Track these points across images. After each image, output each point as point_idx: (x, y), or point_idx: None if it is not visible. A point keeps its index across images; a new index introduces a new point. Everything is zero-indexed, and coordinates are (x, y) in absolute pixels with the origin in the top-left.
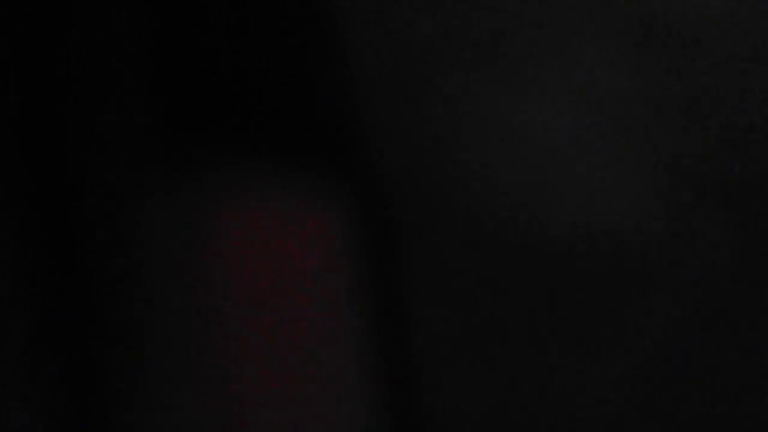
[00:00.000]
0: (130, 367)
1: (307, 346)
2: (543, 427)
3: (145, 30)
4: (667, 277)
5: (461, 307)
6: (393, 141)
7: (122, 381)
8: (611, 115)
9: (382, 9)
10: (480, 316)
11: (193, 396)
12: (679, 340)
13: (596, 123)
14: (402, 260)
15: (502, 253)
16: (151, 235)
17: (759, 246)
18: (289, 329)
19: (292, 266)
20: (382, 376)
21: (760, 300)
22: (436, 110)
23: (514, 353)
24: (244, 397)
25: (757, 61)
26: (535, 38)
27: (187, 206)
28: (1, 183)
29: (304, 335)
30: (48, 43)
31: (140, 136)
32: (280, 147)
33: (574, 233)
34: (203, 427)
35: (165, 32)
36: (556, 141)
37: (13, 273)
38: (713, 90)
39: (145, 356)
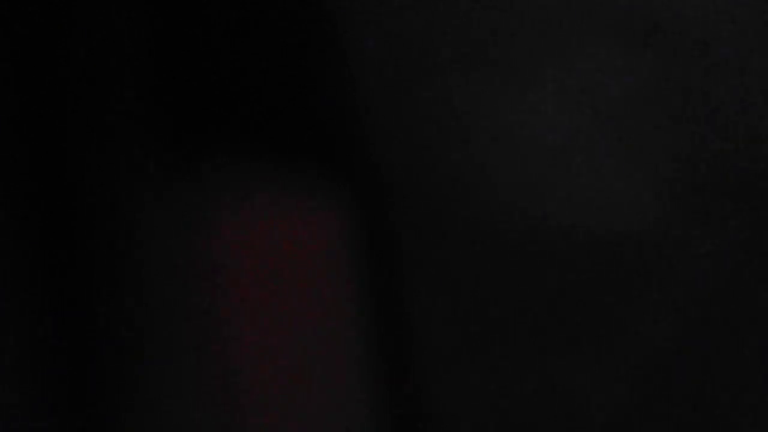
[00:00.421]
0: (130, 367)
1: (307, 346)
2: (543, 427)
3: (146, 30)
4: (667, 277)
5: (461, 307)
6: (393, 141)
7: (122, 381)
8: (611, 115)
9: (382, 9)
10: (480, 316)
11: (193, 396)
12: (679, 340)
13: (596, 123)
14: (402, 260)
15: (502, 253)
16: (151, 234)
17: (759, 246)
18: (289, 329)
19: (292, 266)
20: (382, 376)
21: (760, 300)
22: (436, 110)
23: (514, 353)
24: (244, 397)
25: (757, 61)
26: (535, 38)
27: (187, 206)
28: (1, 183)
29: (304, 335)
30: (48, 43)
31: (140, 136)
32: (280, 147)
33: (574, 233)
34: (203, 427)
35: (165, 32)
36: (556, 141)
37: (13, 273)
38: (713, 90)
39: (145, 356)
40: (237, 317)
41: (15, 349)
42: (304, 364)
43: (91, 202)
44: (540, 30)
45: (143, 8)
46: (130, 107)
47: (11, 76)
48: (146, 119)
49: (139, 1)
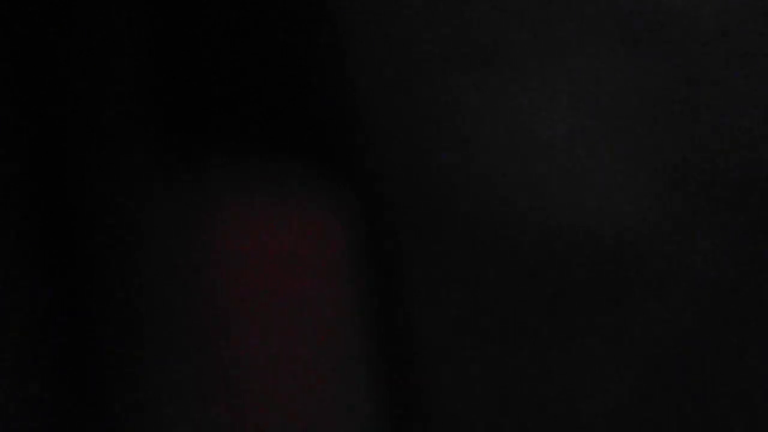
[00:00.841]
0: (130, 367)
1: (307, 345)
2: (543, 426)
3: (145, 30)
4: (667, 277)
5: (461, 307)
6: (393, 141)
7: (122, 381)
8: (611, 115)
9: (382, 10)
10: (480, 315)
11: (193, 396)
12: (679, 339)
13: (596, 123)
14: (402, 260)
15: (501, 253)
16: (150, 234)
17: (759, 246)
18: (289, 329)
19: (292, 266)
20: (382, 376)
21: (761, 300)
22: (436, 110)
23: (514, 353)
24: (244, 397)
25: (757, 61)
26: (535, 38)
27: (187, 206)
28: (1, 183)
29: (304, 335)
30: (48, 43)
31: (140, 136)
32: (280, 147)
33: (574, 233)
34: (203, 427)
35: (165, 32)
36: (555, 141)
37: (13, 273)
38: (714, 90)
39: (145, 356)
40: (237, 317)
41: (15, 348)
42: (304, 364)
43: (91, 202)
44: (540, 30)
45: (143, 8)
46: (130, 107)
47: (11, 76)
48: (146, 119)
49: (139, 1)
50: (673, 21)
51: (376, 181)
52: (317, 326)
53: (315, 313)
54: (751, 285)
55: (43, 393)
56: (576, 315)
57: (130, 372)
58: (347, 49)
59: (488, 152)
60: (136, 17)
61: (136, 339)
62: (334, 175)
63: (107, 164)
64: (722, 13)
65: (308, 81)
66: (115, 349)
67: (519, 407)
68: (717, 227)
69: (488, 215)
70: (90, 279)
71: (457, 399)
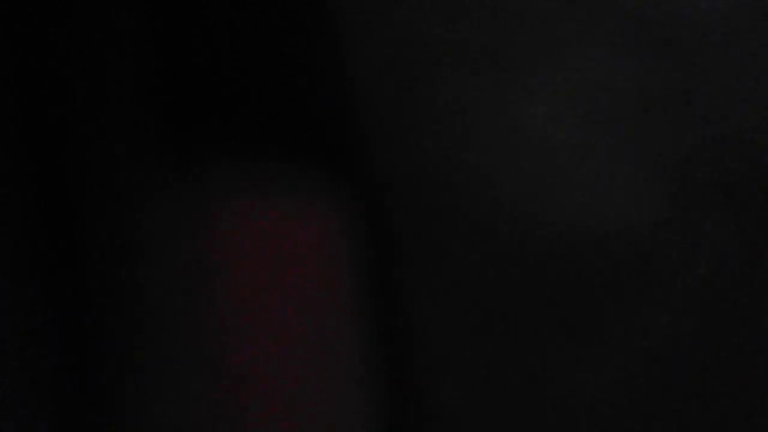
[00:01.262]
0: (131, 367)
1: (307, 345)
2: (543, 426)
3: (145, 29)
4: (667, 276)
5: (461, 307)
6: (393, 141)
7: (122, 381)
8: (612, 115)
9: (382, 9)
10: (480, 315)
11: (193, 395)
12: (679, 339)
13: (596, 123)
14: (402, 260)
15: (501, 253)
16: (150, 234)
17: (759, 246)
18: (289, 329)
19: (292, 266)
20: (382, 376)
21: (760, 300)
22: (436, 110)
23: (514, 353)
24: (244, 397)
25: (757, 61)
26: (536, 38)
27: (187, 206)
28: (1, 183)
29: (304, 335)
30: (48, 43)
31: (140, 136)
32: (280, 147)
33: (573, 233)
34: (203, 426)
35: (165, 32)
36: (556, 141)
37: (13, 273)
38: (714, 90)
39: (145, 356)
40: (236, 317)
41: (14, 348)
42: (303, 364)
43: (91, 202)
44: (540, 30)
45: (143, 8)
46: (130, 107)
47: (11, 76)
48: (146, 119)
49: (139, 1)
50: (673, 21)
51: (376, 182)
52: (317, 326)
53: (315, 313)
54: (752, 284)
55: (43, 393)
56: (576, 315)
57: (130, 372)
58: (347, 49)
59: (488, 152)
60: (136, 17)
61: (136, 339)
62: (334, 176)
63: (107, 164)
64: (722, 13)
65: (308, 81)
66: (115, 349)
67: (519, 407)
68: (718, 227)
69: (488, 215)
70: (90, 279)
71: (457, 399)
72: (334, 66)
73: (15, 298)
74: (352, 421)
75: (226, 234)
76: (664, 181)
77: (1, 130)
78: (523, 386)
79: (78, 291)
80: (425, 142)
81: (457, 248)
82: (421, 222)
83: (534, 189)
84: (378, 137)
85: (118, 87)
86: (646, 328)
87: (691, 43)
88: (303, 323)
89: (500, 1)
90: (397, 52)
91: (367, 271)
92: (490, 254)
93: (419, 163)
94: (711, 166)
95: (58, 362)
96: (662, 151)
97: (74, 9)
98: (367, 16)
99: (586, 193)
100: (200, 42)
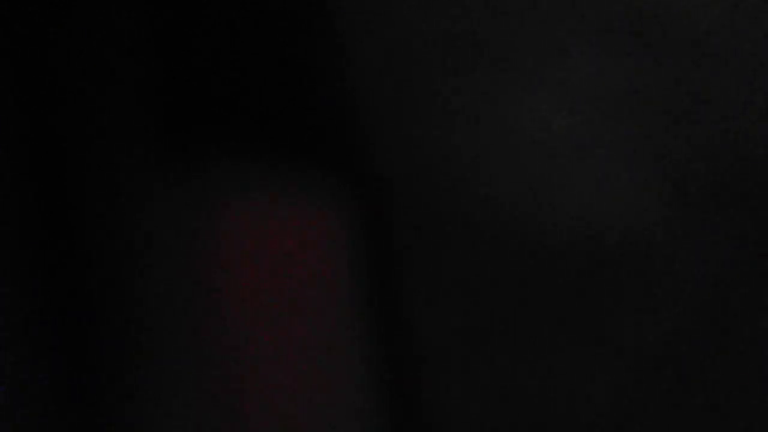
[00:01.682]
0: (131, 367)
1: (307, 345)
2: (543, 426)
3: (146, 29)
4: (667, 277)
5: (461, 307)
6: (393, 141)
7: (122, 380)
8: (611, 115)
9: (382, 10)
10: (480, 316)
11: (193, 395)
12: (679, 339)
13: (596, 124)
14: (402, 260)
15: (501, 254)
16: (151, 234)
17: (759, 246)
18: (289, 329)
19: (292, 266)
20: (382, 377)
21: (760, 300)
22: (436, 111)
23: (513, 353)
24: (244, 397)
25: (757, 61)
26: (535, 38)
27: (187, 206)
28: (1, 183)
29: (304, 335)
30: (48, 43)
31: (140, 136)
32: (280, 147)
33: (573, 234)
34: (203, 426)
35: (165, 32)
36: (555, 142)
37: (13, 272)
38: (713, 90)
39: (145, 356)
40: (236, 317)
41: (15, 348)
42: (303, 364)
43: (91, 201)
44: (540, 30)
45: (143, 8)
46: (130, 107)
47: (11, 76)
48: (146, 119)
49: (140, 2)
50: (673, 21)
51: (376, 182)
52: (317, 326)
53: (315, 313)
54: (751, 285)
55: (43, 393)
56: (576, 315)
57: (130, 372)
58: (347, 49)
59: (488, 152)
60: (136, 17)
61: (136, 339)
62: (334, 176)
63: (107, 164)
64: (722, 14)
65: (308, 81)
66: (115, 349)
67: (519, 407)
68: (717, 227)
69: (488, 215)
70: (90, 279)
71: (457, 399)
72: (334, 66)
73: (15, 298)
74: (352, 421)
75: (227, 234)
76: (664, 181)
77: (1, 130)
78: (523, 386)
79: (78, 291)
80: (425, 141)
81: (457, 248)
82: (421, 222)
83: (534, 189)
84: (378, 137)
85: (118, 87)
86: (645, 327)
87: (691, 43)
88: (303, 323)
89: (500, 1)
90: (397, 52)
91: (367, 271)
92: (489, 254)
93: (419, 163)
94: (711, 166)
95: (58, 362)
96: (662, 151)
97: (74, 9)
98: (367, 16)
99: (586, 193)
100: (200, 42)
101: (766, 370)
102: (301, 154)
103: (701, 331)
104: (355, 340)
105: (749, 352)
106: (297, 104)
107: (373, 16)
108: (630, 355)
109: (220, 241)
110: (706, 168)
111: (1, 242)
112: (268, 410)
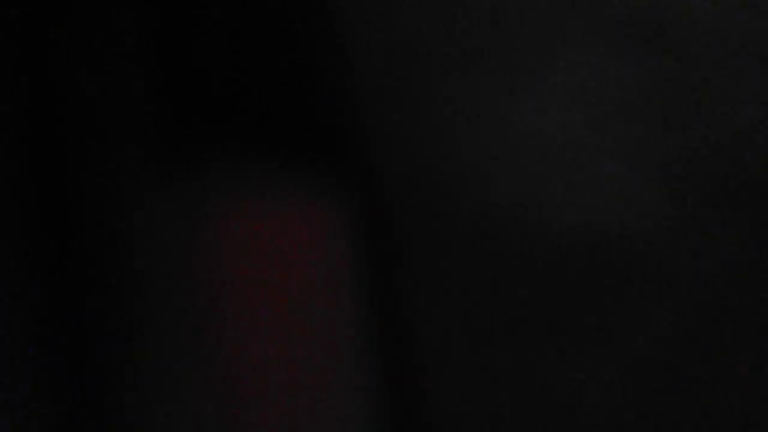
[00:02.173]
0: (130, 367)
1: (307, 345)
2: (543, 426)
3: (146, 29)
4: (667, 276)
5: (461, 307)
6: (393, 141)
7: (122, 381)
8: (611, 115)
9: (382, 10)
10: (480, 316)
11: (192, 395)
12: (679, 339)
13: (596, 123)
14: (402, 260)
15: (501, 254)
16: (150, 234)
17: (759, 246)
18: (289, 329)
19: (291, 266)
20: (382, 377)
21: (761, 300)
22: (436, 110)
23: (513, 353)
24: (244, 397)
25: (757, 61)
26: (536, 38)
27: (187, 206)
28: (1, 183)
29: (304, 335)
30: (48, 43)
31: (140, 136)
32: (280, 147)
33: (573, 233)
34: (203, 426)
35: (166, 32)
36: (555, 141)
37: (12, 272)
38: (713, 90)
39: (145, 356)
40: (236, 317)
41: (14, 348)
42: (303, 364)
43: (91, 201)
44: (540, 30)
45: (144, 8)
46: (130, 107)
47: (11, 76)
48: (146, 119)
49: (140, 2)
50: (673, 21)
51: (376, 181)
52: (317, 326)
53: (314, 313)
54: (752, 284)
55: (43, 393)
56: (576, 315)
57: (130, 372)
58: (347, 49)
59: (489, 152)
60: (136, 17)
61: (136, 339)
62: (334, 175)
63: (107, 164)
64: (722, 14)
65: (308, 81)
66: (115, 349)
67: (519, 407)
68: (717, 226)
69: (488, 215)
70: (90, 279)
71: (456, 399)
72: (334, 66)
73: (15, 298)
74: (352, 421)
75: (226, 234)
76: (664, 182)
77: (1, 130)
78: (523, 386)
79: (78, 291)
80: (425, 141)
81: (456, 248)
82: (421, 222)
83: (534, 189)
84: (378, 137)
85: (118, 87)
86: (646, 328)
87: (690, 44)
88: (303, 322)
89: (500, 1)
90: (397, 52)
91: (367, 271)
92: (489, 254)
93: (419, 163)
94: (711, 166)
95: (58, 362)
96: (662, 151)
97: (74, 9)
98: (367, 16)
99: (586, 193)
100: (201, 42)
101: (766, 370)
102: (301, 154)
103: (701, 331)
104: (355, 340)
105: (749, 352)
106: (297, 104)
107: (373, 16)
108: (630, 355)
109: (220, 241)
110: (706, 168)
111: (1, 242)
112: (268, 410)
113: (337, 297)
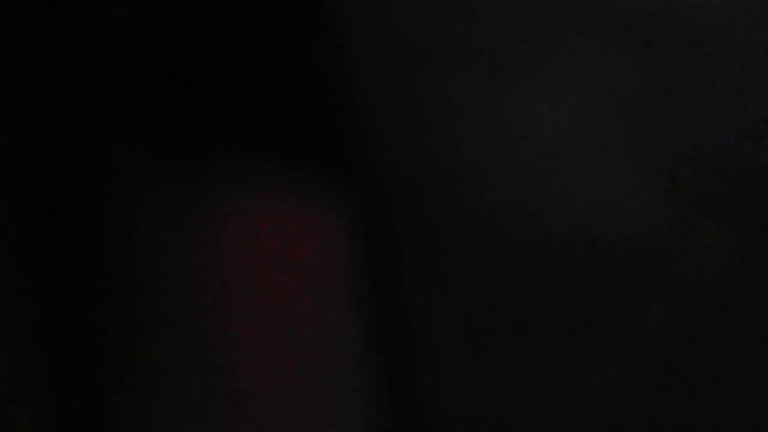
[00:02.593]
0: (130, 367)
1: (307, 345)
2: (543, 426)
3: (146, 29)
4: (667, 276)
5: (461, 307)
6: (393, 141)
7: (122, 380)
8: (611, 115)
9: (382, 10)
10: (480, 316)
11: (192, 395)
12: (679, 339)
13: (596, 123)
14: (402, 260)
15: (501, 253)
16: (150, 234)
17: (759, 246)
18: (289, 329)
19: (292, 266)
20: (382, 376)
21: (760, 300)
22: (436, 110)
23: (513, 353)
24: (244, 397)
25: (757, 61)
26: (536, 38)
27: (187, 206)
28: (1, 183)
29: (304, 334)
30: (48, 43)
31: (140, 136)
32: (280, 147)
33: (573, 233)
34: (203, 426)
35: (166, 32)
36: (555, 141)
37: (12, 272)
38: (713, 89)
39: (145, 355)
40: (236, 316)
41: (15, 348)
42: (303, 364)
43: (91, 202)
44: (540, 30)
45: (144, 9)
46: (130, 107)
47: (11, 76)
48: (147, 119)
49: (140, 2)
50: (673, 21)
51: (376, 181)
52: (317, 325)
53: (315, 312)
54: (750, 283)
55: (43, 392)
56: (576, 314)
57: (130, 372)
58: (347, 49)
59: (488, 152)
60: (136, 18)
61: (136, 339)
62: (334, 175)
63: (107, 164)
64: (722, 14)
65: (308, 81)
66: (115, 349)
67: (519, 406)
68: (716, 226)
69: (489, 215)
70: (90, 279)
71: (457, 399)
72: (334, 66)
73: (15, 298)
74: (352, 421)
75: (226, 233)
76: (665, 182)
77: (1, 130)
78: (523, 386)
79: (78, 291)
80: (425, 142)
81: (457, 248)
82: (421, 222)
83: (533, 189)
84: (378, 137)
85: (118, 87)
86: (645, 326)
87: (691, 44)
88: (302, 322)
89: (500, 1)
90: (397, 52)
91: (367, 271)
92: (489, 254)
93: (419, 163)
94: (711, 166)
95: (58, 362)
96: (662, 152)
97: (74, 9)
98: (367, 16)
99: (586, 194)
100: (200, 42)
101: (766, 370)
102: (301, 154)
103: (701, 331)
104: (355, 340)
105: (749, 351)
106: (297, 104)
107: (374, 16)
108: (630, 355)
109: (220, 240)
110: (706, 168)
111: (1, 242)
112: (267, 409)
113: (337, 297)
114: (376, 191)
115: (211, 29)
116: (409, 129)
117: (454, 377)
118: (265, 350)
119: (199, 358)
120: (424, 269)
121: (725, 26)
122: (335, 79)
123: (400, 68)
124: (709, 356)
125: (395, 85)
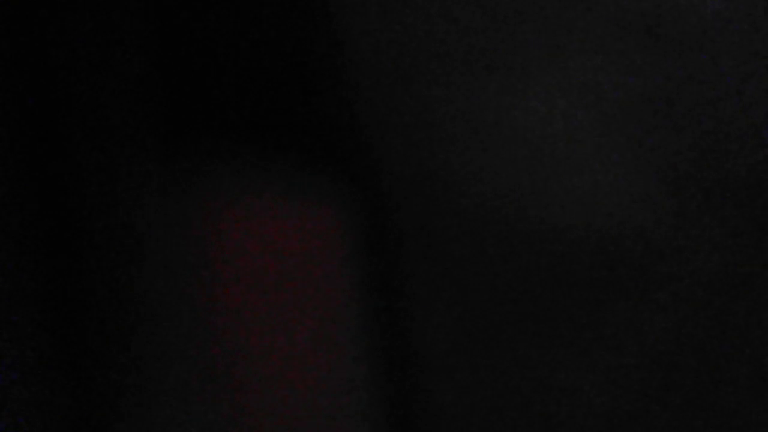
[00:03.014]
0: (131, 367)
1: (307, 344)
2: (543, 426)
3: (146, 29)
4: (667, 276)
5: (461, 306)
6: (393, 141)
7: (122, 380)
8: (611, 114)
9: (382, 10)
10: (480, 315)
11: (193, 395)
12: (679, 338)
13: (596, 123)
14: (402, 259)
15: (501, 253)
16: (151, 234)
17: (759, 246)
18: (289, 328)
19: (292, 266)
20: (383, 375)
21: (760, 300)
22: (436, 110)
23: (513, 353)
24: (244, 396)
25: (757, 61)
26: (536, 38)
27: (187, 206)
28: (1, 183)
29: (304, 334)
30: (48, 43)
31: (141, 136)
32: (281, 147)
33: (574, 232)
34: (203, 425)
35: (166, 32)
36: (556, 141)
37: (12, 272)
38: (713, 90)
39: (145, 355)
40: (236, 316)
41: (14, 347)
42: (303, 363)
43: (92, 201)
44: (540, 30)
45: (144, 8)
46: (131, 107)
47: (11, 76)
48: (147, 119)
49: (140, 1)
50: (672, 21)
51: (377, 180)
52: (317, 325)
53: (314, 312)
54: (752, 285)
55: (43, 392)
56: (576, 314)
57: (130, 372)
58: (347, 49)
59: (489, 152)
60: (137, 18)
61: (136, 339)
62: (334, 175)
63: (107, 164)
64: (723, 14)
65: (309, 82)
66: (115, 349)
67: (519, 406)
68: (717, 226)
69: (488, 215)
70: (90, 279)
71: (456, 398)
72: (334, 66)
73: (15, 298)
74: (352, 420)
75: (227, 233)
76: (664, 181)
77: (1, 130)
78: (523, 386)
79: (78, 291)
80: (426, 142)
81: (456, 247)
82: (421, 221)
83: (534, 189)
84: (378, 137)
85: (119, 87)
86: (645, 325)
87: (691, 45)
88: (303, 321)
89: (500, 2)
90: (398, 53)
91: (367, 270)
92: (490, 253)
93: (419, 163)
94: (711, 166)
95: (59, 362)
96: (662, 151)
97: (74, 9)
98: (367, 16)
99: (587, 193)
100: (201, 42)
101: (766, 370)
102: (301, 155)
103: (701, 331)
104: (355, 340)
105: (749, 351)
106: (297, 105)
107: (374, 16)
108: (630, 355)
109: (220, 240)
110: (706, 167)
111: (1, 242)
112: (267, 409)
113: (337, 296)
114: (375, 190)
115: (212, 29)
116: (410, 129)
117: (454, 377)
118: (265, 349)
119: (200, 357)
120: (423, 268)
121: (726, 27)
122: (335, 79)
123: (399, 68)
124: (710, 355)
125: (395, 85)
